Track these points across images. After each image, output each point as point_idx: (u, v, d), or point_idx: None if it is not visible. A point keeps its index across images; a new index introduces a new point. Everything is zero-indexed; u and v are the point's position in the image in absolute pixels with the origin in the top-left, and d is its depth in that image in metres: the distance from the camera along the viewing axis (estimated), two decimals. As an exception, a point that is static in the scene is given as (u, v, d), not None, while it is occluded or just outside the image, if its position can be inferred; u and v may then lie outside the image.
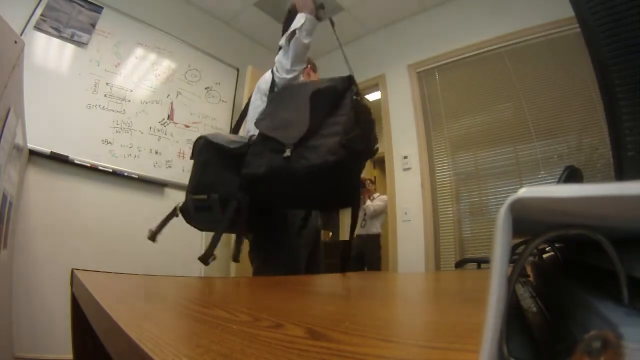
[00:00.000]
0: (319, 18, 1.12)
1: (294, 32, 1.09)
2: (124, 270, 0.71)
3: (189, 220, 0.99)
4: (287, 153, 0.84)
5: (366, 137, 0.92)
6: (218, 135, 1.03)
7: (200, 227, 1.02)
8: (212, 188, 0.93)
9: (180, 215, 0.97)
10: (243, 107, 1.32)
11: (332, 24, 1.13)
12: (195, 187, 0.96)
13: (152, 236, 0.95)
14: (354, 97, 0.92)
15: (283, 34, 1.17)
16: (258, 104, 1.20)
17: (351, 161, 0.88)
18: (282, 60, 1.13)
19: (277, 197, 0.98)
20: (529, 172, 2.26)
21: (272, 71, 1.18)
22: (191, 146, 1.04)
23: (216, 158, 0.97)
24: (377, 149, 0.99)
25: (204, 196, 0.93)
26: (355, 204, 1.03)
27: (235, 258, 0.92)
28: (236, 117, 1.33)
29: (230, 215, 0.89)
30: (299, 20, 1.10)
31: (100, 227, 2.10)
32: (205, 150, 0.99)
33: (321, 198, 0.98)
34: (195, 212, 0.95)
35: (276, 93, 1.10)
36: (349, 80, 0.95)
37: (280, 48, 1.16)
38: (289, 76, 1.11)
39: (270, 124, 0.95)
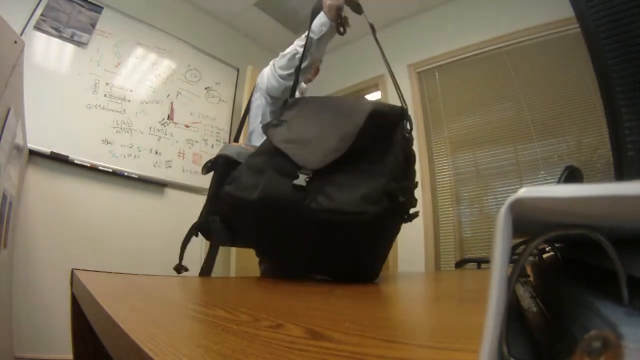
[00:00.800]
0: (340, 32, 0.98)
1: (312, 41, 0.97)
2: (124, 270, 0.71)
3: (213, 239, 0.89)
4: (301, 181, 0.58)
5: (412, 193, 0.69)
6: (239, 152, 0.87)
7: (224, 244, 0.93)
8: None
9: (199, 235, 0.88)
10: (243, 108, 1.27)
11: (374, 31, 0.98)
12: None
13: (178, 268, 0.84)
14: (407, 134, 0.68)
15: (311, 21, 1.02)
16: (259, 103, 1.15)
17: (390, 221, 0.64)
18: (288, 65, 0.99)
19: (265, 242, 0.72)
20: (529, 172, 2.26)
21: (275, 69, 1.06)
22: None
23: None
24: (417, 214, 0.72)
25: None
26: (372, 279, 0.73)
27: (208, 273, 0.82)
28: (236, 117, 1.29)
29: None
30: (320, 26, 0.97)
31: (100, 227, 2.10)
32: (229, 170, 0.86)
33: (334, 261, 0.65)
34: (224, 231, 0.85)
35: (300, 99, 0.87)
36: (402, 112, 0.70)
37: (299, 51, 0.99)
38: (288, 83, 0.98)
39: (286, 134, 0.69)
